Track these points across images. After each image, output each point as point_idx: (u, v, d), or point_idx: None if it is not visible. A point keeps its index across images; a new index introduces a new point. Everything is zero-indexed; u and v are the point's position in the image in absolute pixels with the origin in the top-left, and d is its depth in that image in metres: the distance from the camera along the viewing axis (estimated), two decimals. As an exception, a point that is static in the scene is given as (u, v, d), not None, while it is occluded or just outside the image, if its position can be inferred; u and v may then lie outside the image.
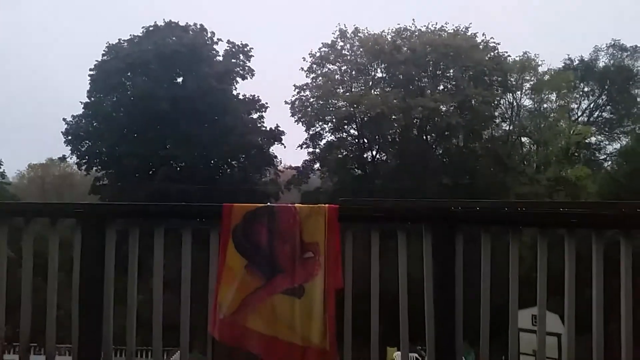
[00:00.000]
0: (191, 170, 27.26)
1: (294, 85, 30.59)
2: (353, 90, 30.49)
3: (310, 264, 2.81)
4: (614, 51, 32.03)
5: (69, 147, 28.71)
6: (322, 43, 31.00)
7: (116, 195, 26.42)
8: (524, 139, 32.47)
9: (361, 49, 30.51)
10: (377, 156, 31.28)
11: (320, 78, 30.50)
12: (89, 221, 2.99)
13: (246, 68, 30.56)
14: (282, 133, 30.30)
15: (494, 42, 29.71)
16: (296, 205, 2.93)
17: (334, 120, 29.86)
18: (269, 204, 3.03)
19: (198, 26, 29.94)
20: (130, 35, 29.35)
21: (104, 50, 28.95)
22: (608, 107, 32.63)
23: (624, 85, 31.50)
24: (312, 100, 30.28)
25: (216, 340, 2.86)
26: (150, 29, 29.26)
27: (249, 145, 28.65)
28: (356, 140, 30.97)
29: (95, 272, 2.93)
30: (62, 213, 3.21)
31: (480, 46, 29.42)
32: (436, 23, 30.39)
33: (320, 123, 30.55)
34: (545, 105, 31.59)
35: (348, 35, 30.89)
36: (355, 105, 28.02)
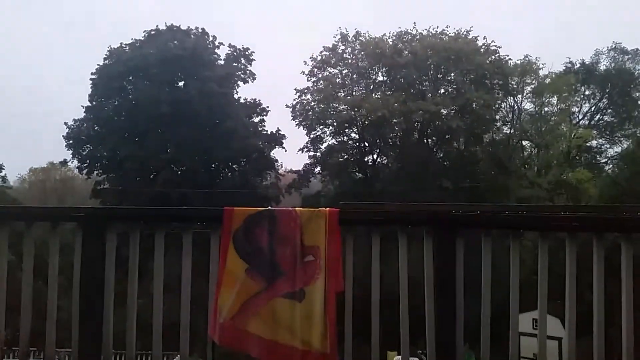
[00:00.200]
0: (192, 174, 27.27)
1: (295, 89, 30.63)
2: (354, 93, 30.52)
3: (311, 268, 2.81)
4: (615, 54, 32.04)
5: (70, 151, 28.76)
6: (323, 47, 31.07)
7: (117, 199, 26.45)
8: (525, 143, 32.46)
9: (362, 53, 30.55)
10: (378, 160, 31.27)
11: (321, 82, 30.52)
12: (89, 225, 3.00)
13: (247, 72, 30.62)
14: (283, 137, 30.35)
15: (495, 46, 29.75)
16: (297, 209, 2.93)
17: (334, 123, 29.86)
18: (269, 207, 3.03)
19: (200, 30, 30.04)
20: (132, 39, 29.45)
21: (105, 54, 29.06)
22: (609, 111, 32.60)
23: (625, 89, 31.48)
24: (313, 103, 30.29)
25: (216, 344, 2.85)
26: (152, 33, 29.34)
27: (250, 149, 28.66)
28: (357, 144, 30.98)
29: (96, 275, 2.93)
30: (62, 217, 3.22)
31: (481, 50, 29.43)
32: (437, 27, 30.45)
33: (321, 127, 30.56)
34: (546, 109, 31.60)
35: (349, 39, 30.94)
36: (356, 109, 28.04)
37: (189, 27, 29.87)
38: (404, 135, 30.02)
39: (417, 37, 30.31)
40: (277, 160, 31.04)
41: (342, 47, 31.09)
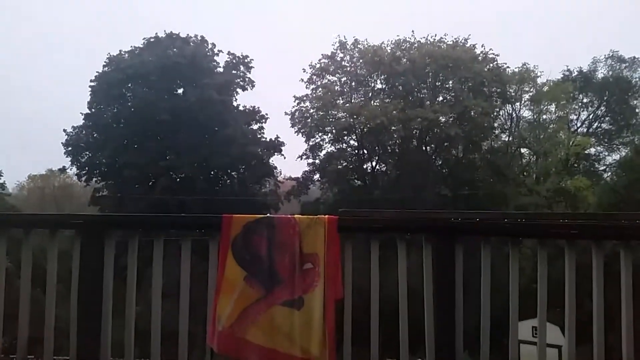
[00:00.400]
0: (191, 181, 27.24)
1: (294, 96, 30.69)
2: (353, 101, 30.57)
3: (309, 275, 2.80)
4: (613, 62, 32.21)
5: (69, 158, 28.70)
6: (322, 54, 31.16)
7: (116, 206, 26.39)
8: (523, 150, 32.52)
9: (361, 60, 30.63)
10: (377, 167, 31.28)
11: (320, 89, 30.57)
12: (88, 232, 3.00)
13: (246, 79, 30.67)
14: (282, 144, 30.35)
15: (493, 54, 29.86)
16: (296, 216, 2.93)
17: (333, 131, 29.88)
18: (268, 215, 3.03)
19: (199, 38, 30.11)
20: (131, 46, 29.49)
21: (104, 62, 29.07)
22: (607, 118, 32.70)
23: (623, 97, 31.61)
24: (312, 111, 30.33)
25: (215, 351, 2.84)
26: (151, 40, 29.40)
27: (248, 156, 28.65)
28: (356, 151, 31.00)
29: (94, 283, 2.92)
30: (61, 224, 3.22)
31: (480, 57, 29.54)
32: (435, 35, 30.57)
33: (320, 134, 30.57)
34: (544, 117, 31.68)
35: (348, 46, 31.04)
36: (355, 116, 28.07)
37: (188, 34, 29.98)
38: (402, 143, 30.05)
39: (416, 45, 30.42)
40: (276, 168, 31.05)
41: (341, 55, 31.20)
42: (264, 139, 30.30)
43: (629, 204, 18.19)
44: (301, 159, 30.93)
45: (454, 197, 26.01)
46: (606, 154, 32.69)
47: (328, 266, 2.80)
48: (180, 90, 29.03)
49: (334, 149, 30.92)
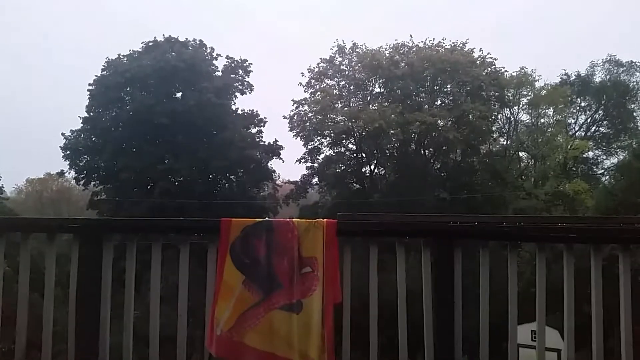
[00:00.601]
0: (189, 184, 27.23)
1: (293, 100, 30.75)
2: (351, 105, 30.63)
3: (308, 279, 2.80)
4: (610, 66, 32.33)
5: (68, 162, 28.68)
6: (321, 58, 31.25)
7: (114, 210, 26.35)
8: (521, 154, 32.62)
9: (359, 65, 30.70)
10: (376, 170, 31.30)
11: (319, 93, 30.63)
12: (86, 236, 2.99)
13: (245, 83, 30.72)
14: (281, 147, 30.38)
15: (491, 58, 29.97)
16: (294, 220, 2.92)
17: (332, 134, 29.91)
18: (267, 218, 3.02)
19: (197, 42, 30.13)
20: (130, 50, 29.52)
21: (103, 65, 29.08)
22: (605, 122, 32.81)
23: (620, 100, 31.71)
24: (310, 115, 30.37)
25: (213, 355, 2.83)
26: (150, 44, 29.42)
27: (247, 159, 28.65)
28: (354, 155, 31.03)
29: (92, 287, 2.92)
30: (59, 228, 3.20)
31: (478, 61, 29.62)
32: (433, 39, 30.69)
33: (319, 137, 30.61)
34: (542, 120, 31.79)
35: (346, 50, 31.13)
36: (353, 120, 28.11)
37: (186, 38, 30.02)
38: (401, 147, 30.10)
39: (414, 49, 30.50)
40: (274, 171, 31.07)
41: (340, 59, 31.29)
42: (262, 143, 30.33)
43: (627, 207, 18.21)
44: (300, 163, 31.02)
45: (452, 201, 26.02)
46: (604, 157, 32.83)
47: (327, 270, 2.79)
48: (178, 94, 29.04)
49: (332, 153, 30.98)
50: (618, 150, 31.88)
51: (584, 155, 31.47)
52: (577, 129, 32.86)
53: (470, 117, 28.15)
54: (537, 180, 30.18)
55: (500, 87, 29.68)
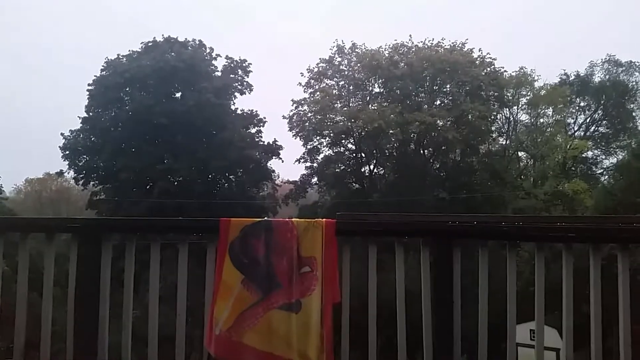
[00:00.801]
0: (189, 184, 27.20)
1: (292, 100, 30.73)
2: (351, 105, 30.61)
3: (307, 279, 2.80)
4: (609, 66, 32.34)
5: (67, 162, 28.65)
6: (320, 59, 31.23)
7: (113, 210, 26.33)
8: (520, 154, 32.61)
9: (359, 65, 30.69)
10: (375, 170, 31.29)
11: (318, 93, 30.60)
12: (85, 236, 2.99)
13: (244, 83, 30.68)
14: (280, 147, 30.34)
15: (490, 58, 29.95)
16: (293, 219, 2.92)
17: (331, 134, 29.90)
18: (266, 218, 3.02)
19: (197, 42, 30.10)
20: (129, 50, 29.47)
21: (102, 66, 29.04)
22: (604, 122, 32.82)
23: (620, 100, 31.72)
24: (309, 115, 30.35)
25: (212, 355, 2.83)
26: (149, 44, 29.39)
27: (246, 159, 28.63)
28: (354, 155, 31.01)
29: (91, 286, 2.91)
30: (58, 228, 3.20)
31: (477, 61, 29.60)
32: (433, 39, 30.65)
33: (318, 137, 30.59)
34: (541, 120, 31.80)
35: (345, 51, 31.10)
36: (352, 120, 28.09)
37: (186, 39, 29.98)
38: (400, 146, 30.09)
39: (413, 49, 30.48)
40: (274, 171, 31.04)
41: (339, 59, 31.27)
42: (262, 143, 30.31)
43: (626, 207, 18.22)
44: (299, 163, 30.99)
45: (451, 201, 26.02)
46: (603, 157, 32.85)
47: (326, 270, 2.79)
48: (178, 94, 29.02)
49: (331, 153, 30.96)
50: (617, 150, 31.91)
51: (583, 155, 31.49)
52: (576, 128, 32.89)
53: (470, 117, 28.15)
54: (537, 180, 30.19)
55: (500, 87, 29.68)
